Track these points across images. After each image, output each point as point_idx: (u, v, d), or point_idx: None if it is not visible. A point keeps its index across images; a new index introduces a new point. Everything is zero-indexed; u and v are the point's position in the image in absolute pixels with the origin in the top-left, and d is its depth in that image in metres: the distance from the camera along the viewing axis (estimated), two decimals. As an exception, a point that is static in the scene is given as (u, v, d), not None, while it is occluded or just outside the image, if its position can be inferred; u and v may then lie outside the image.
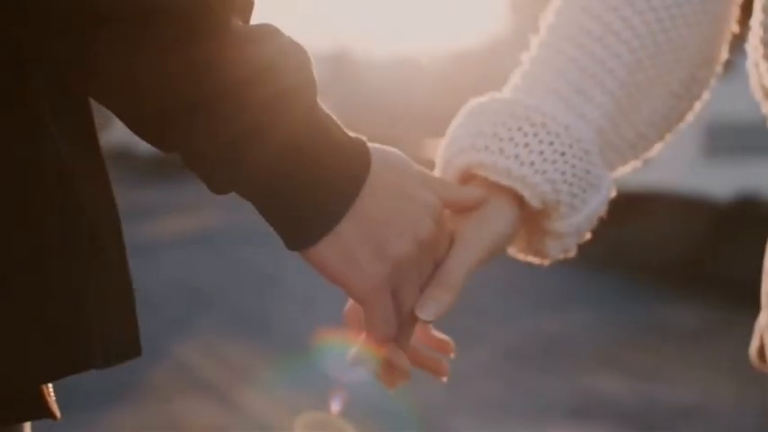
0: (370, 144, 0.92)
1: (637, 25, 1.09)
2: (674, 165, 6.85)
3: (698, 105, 1.18)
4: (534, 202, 1.05)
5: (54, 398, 0.88)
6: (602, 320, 6.03)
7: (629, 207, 7.02)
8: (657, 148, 1.18)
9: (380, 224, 0.90)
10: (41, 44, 0.77)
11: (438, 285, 0.98)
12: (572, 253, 1.13)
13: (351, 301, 1.01)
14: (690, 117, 1.19)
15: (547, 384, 4.83)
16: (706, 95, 1.19)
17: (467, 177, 1.08)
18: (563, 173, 1.05)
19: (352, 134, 0.90)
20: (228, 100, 0.79)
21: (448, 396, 4.65)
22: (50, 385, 0.88)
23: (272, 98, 0.81)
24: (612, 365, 5.09)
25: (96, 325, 0.83)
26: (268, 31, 0.83)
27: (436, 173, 1.11)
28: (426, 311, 0.97)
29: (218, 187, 0.85)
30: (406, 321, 0.97)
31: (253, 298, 6.69)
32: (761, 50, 1.15)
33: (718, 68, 1.19)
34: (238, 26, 0.80)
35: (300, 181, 0.85)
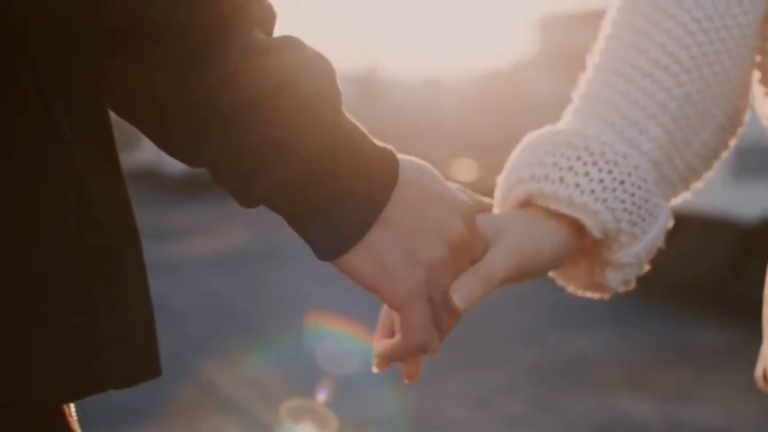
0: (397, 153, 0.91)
1: (684, 59, 1.10)
2: (704, 186, 6.81)
3: (740, 131, 1.19)
4: (596, 231, 1.05)
5: (76, 417, 0.88)
6: (627, 340, 6.00)
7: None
8: (706, 177, 1.20)
9: (410, 231, 0.90)
10: (61, 61, 0.78)
11: (473, 274, 0.97)
12: (632, 285, 1.13)
13: (385, 306, 1.00)
14: (733, 143, 1.20)
15: (571, 404, 4.81)
16: (746, 120, 1.20)
17: (524, 206, 1.08)
18: (623, 201, 1.05)
19: (379, 143, 0.89)
20: (251, 113, 0.79)
21: (471, 415, 4.64)
22: (72, 405, 0.88)
23: (296, 109, 0.81)
24: (637, 386, 5.07)
25: (115, 345, 0.83)
26: (290, 43, 0.83)
27: (494, 206, 1.11)
28: (457, 297, 0.95)
29: (247, 201, 0.85)
30: (445, 323, 0.97)
31: (280, 317, 6.69)
32: (758, 75, 1.18)
33: (752, 96, 1.20)
34: (259, 38, 0.81)
35: (328, 191, 0.85)
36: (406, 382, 1.02)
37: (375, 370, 0.99)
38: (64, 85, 0.81)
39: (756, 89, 1.18)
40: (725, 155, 1.20)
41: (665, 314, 6.65)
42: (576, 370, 5.39)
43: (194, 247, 10.01)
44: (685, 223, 7.18)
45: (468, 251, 0.96)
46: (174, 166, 14.41)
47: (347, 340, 5.25)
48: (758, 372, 1.25)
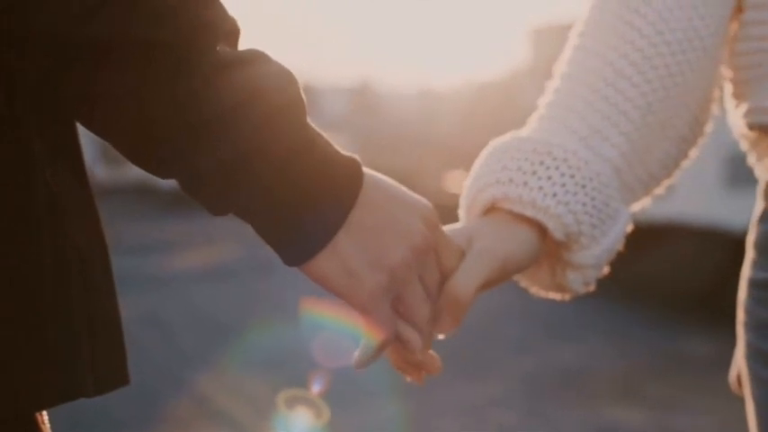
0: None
1: (646, 70, 1.14)
2: (695, 195, 6.83)
3: (701, 141, 1.23)
4: (557, 233, 1.09)
5: (48, 425, 0.89)
6: (620, 350, 6.01)
7: (648, 237, 6.99)
8: (666, 184, 1.23)
9: (375, 234, 0.92)
10: (47, 77, 0.78)
11: (445, 299, 1.00)
12: (592, 287, 1.16)
13: None
14: (694, 153, 1.23)
15: (563, 415, 4.81)
16: (708, 130, 1.23)
17: (490, 212, 1.12)
18: (584, 204, 1.09)
19: (343, 151, 0.91)
20: (222, 124, 0.81)
21: (463, 426, 4.64)
22: (45, 413, 0.89)
23: (265, 119, 0.83)
24: (630, 396, 5.07)
25: (86, 354, 0.85)
26: (255, 56, 0.85)
27: (461, 212, 1.15)
28: (438, 329, 1.00)
29: (217, 209, 0.86)
30: (420, 323, 0.98)
31: (272, 331, 6.69)
32: (730, 88, 1.22)
33: (716, 109, 1.24)
34: (226, 52, 0.82)
35: (296, 198, 0.87)
36: (419, 384, 1.05)
37: (356, 369, 1.01)
38: (36, 102, 0.82)
39: (729, 102, 1.22)
40: (686, 164, 1.23)
41: (658, 324, 6.66)
42: (569, 380, 5.39)
43: (187, 260, 10.02)
44: (679, 233, 7.19)
45: (432, 253, 0.98)
46: (166, 180, 14.41)
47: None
48: (732, 375, 1.29)
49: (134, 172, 17.07)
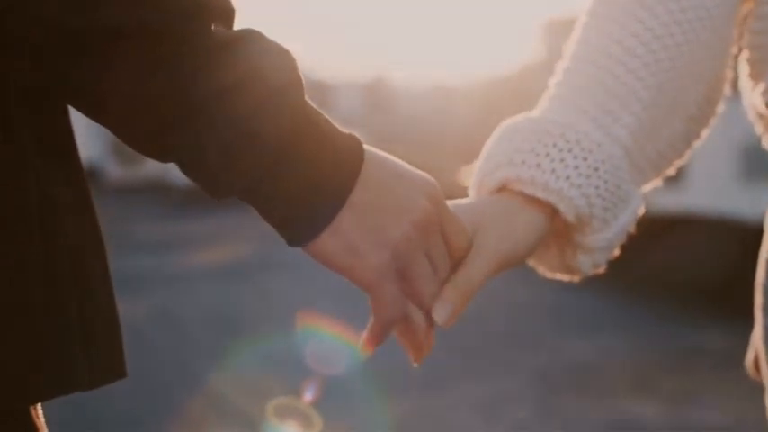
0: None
1: (657, 50, 1.14)
2: (709, 187, 6.82)
3: (713, 121, 1.23)
4: (569, 216, 1.08)
5: (43, 419, 0.89)
6: (634, 344, 6.00)
7: (662, 229, 6.98)
8: (677, 165, 1.23)
9: (377, 211, 0.91)
10: (47, 75, 0.79)
11: (453, 289, 1.00)
12: (602, 269, 1.16)
13: None
14: (705, 133, 1.23)
15: (578, 409, 4.81)
16: (720, 111, 1.23)
17: (500, 191, 1.11)
18: (596, 187, 1.09)
19: (343, 129, 0.91)
20: (220, 106, 0.81)
21: (480, 421, 4.64)
22: (39, 406, 0.89)
23: (263, 99, 0.83)
24: (644, 389, 5.07)
25: (81, 347, 0.85)
26: (251, 35, 0.84)
27: (470, 191, 1.15)
28: (439, 314, 0.98)
29: (219, 192, 0.86)
30: (427, 300, 0.98)
31: (286, 328, 6.70)
32: (747, 69, 1.21)
33: (727, 89, 1.23)
34: (221, 32, 0.82)
35: (297, 178, 0.87)
36: (414, 364, 1.04)
37: (361, 354, 1.00)
38: (31, 101, 0.82)
39: (745, 84, 1.22)
40: (696, 144, 1.23)
41: (671, 317, 6.65)
42: (581, 374, 5.39)
43: (199, 258, 10.04)
44: (693, 225, 7.18)
45: (436, 228, 0.97)
46: (179, 178, 14.47)
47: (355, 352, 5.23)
48: (749, 359, 1.29)
49: (147, 170, 17.14)
